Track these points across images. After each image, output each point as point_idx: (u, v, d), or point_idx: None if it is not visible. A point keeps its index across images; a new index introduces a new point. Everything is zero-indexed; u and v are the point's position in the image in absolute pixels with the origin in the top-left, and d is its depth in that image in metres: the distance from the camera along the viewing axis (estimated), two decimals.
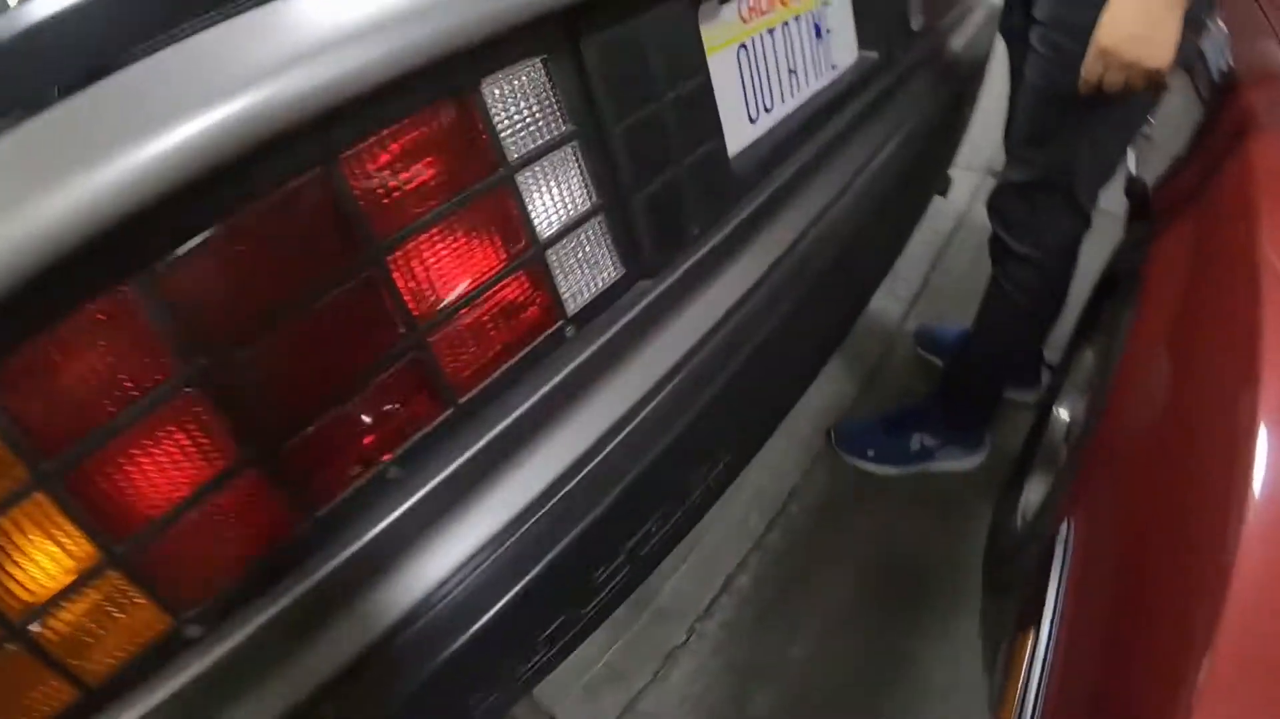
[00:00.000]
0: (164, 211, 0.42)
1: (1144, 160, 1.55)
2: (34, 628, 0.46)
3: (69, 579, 0.46)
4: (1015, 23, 1.25)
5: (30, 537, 0.44)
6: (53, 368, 0.43)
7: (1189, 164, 1.21)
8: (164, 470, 0.49)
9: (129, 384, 0.46)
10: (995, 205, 1.35)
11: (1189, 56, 1.32)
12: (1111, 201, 1.52)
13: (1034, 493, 1.33)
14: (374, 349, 0.57)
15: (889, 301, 2.02)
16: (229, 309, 0.48)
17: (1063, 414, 1.38)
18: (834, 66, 1.09)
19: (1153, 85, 0.96)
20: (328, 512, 0.57)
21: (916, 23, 1.27)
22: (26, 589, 0.45)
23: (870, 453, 1.59)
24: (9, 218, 0.37)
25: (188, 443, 0.49)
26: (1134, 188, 1.49)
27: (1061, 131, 1.17)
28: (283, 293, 0.50)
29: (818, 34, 1.04)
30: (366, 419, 0.58)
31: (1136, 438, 0.89)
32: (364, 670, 0.57)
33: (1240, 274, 0.81)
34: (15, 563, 0.45)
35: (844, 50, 1.12)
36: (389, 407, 0.59)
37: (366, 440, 0.58)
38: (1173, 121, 1.38)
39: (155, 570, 0.49)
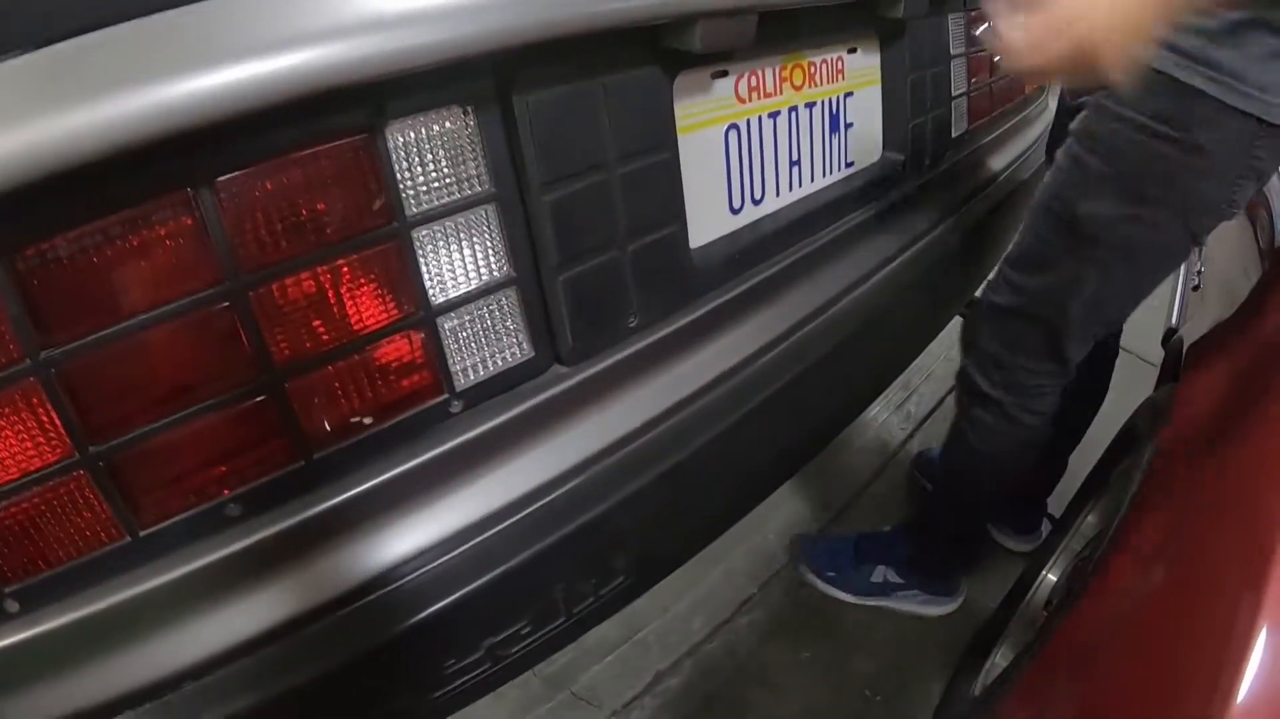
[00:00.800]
0: (34, 203, 0.41)
1: (1188, 313, 1.46)
2: None
3: None
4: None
5: None
6: None
7: (1233, 328, 1.11)
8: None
9: None
10: (968, 331, 1.24)
11: (1254, 204, 1.25)
12: (1150, 348, 1.42)
13: (1001, 659, 1.23)
14: (227, 381, 0.53)
15: (896, 417, 1.93)
16: (85, 306, 0.47)
17: (1051, 578, 1.28)
18: (850, 164, 1.02)
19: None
20: (156, 530, 0.54)
21: (958, 127, 1.20)
22: None
23: (830, 573, 1.49)
24: None
25: (21, 429, 0.48)
26: (1170, 342, 1.40)
27: (1064, 260, 1.08)
28: (140, 303, 0.49)
29: (834, 126, 0.97)
30: (212, 449, 0.54)
31: (1110, 635, 0.81)
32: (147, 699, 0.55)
33: (1262, 469, 0.74)
34: None
35: (865, 148, 1.05)
36: (237, 443, 0.55)
37: (209, 470, 0.55)
38: (1227, 275, 1.28)
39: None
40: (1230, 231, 0.94)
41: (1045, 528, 1.61)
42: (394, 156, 0.55)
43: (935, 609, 1.46)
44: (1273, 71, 0.87)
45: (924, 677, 1.34)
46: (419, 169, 0.56)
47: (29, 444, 0.48)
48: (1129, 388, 1.56)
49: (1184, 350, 1.23)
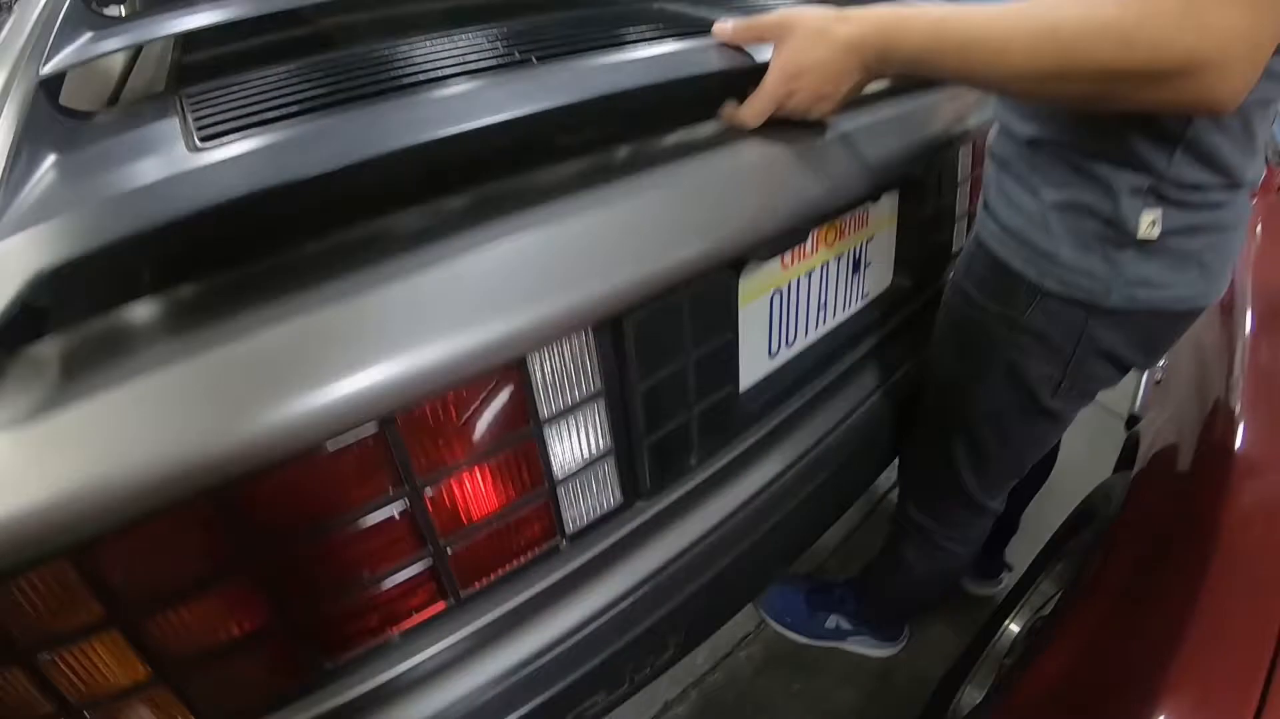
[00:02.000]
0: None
1: (1150, 403, 1.62)
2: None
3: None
4: None
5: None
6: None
7: (1191, 426, 1.21)
8: (210, 629, 0.62)
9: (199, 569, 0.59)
10: (902, 459, 1.36)
11: (1225, 302, 1.31)
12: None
13: (969, 696, 1.44)
14: (402, 554, 0.70)
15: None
16: (294, 520, 0.62)
17: (1013, 628, 1.49)
18: (865, 295, 1.18)
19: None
20: (343, 661, 0.71)
21: (958, 243, 1.36)
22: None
23: (788, 619, 1.69)
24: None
25: (231, 609, 0.63)
26: (1131, 430, 1.57)
27: (936, 422, 1.21)
28: (337, 510, 0.64)
29: (856, 268, 1.13)
30: (387, 601, 0.72)
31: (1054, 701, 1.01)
32: None
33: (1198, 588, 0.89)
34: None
35: (878, 279, 1.20)
36: (406, 595, 0.73)
37: (381, 617, 0.72)
38: (1190, 370, 1.37)
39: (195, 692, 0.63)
40: (1197, 327, 0.98)
41: (1004, 574, 1.83)
42: (534, 377, 0.72)
43: (883, 651, 1.67)
44: (1094, 255, 0.88)
45: (900, 710, 1.55)
46: (552, 381, 0.73)
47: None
48: (1096, 440, 1.76)
49: (1140, 442, 1.38)
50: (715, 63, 0.84)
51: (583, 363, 0.75)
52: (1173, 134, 0.79)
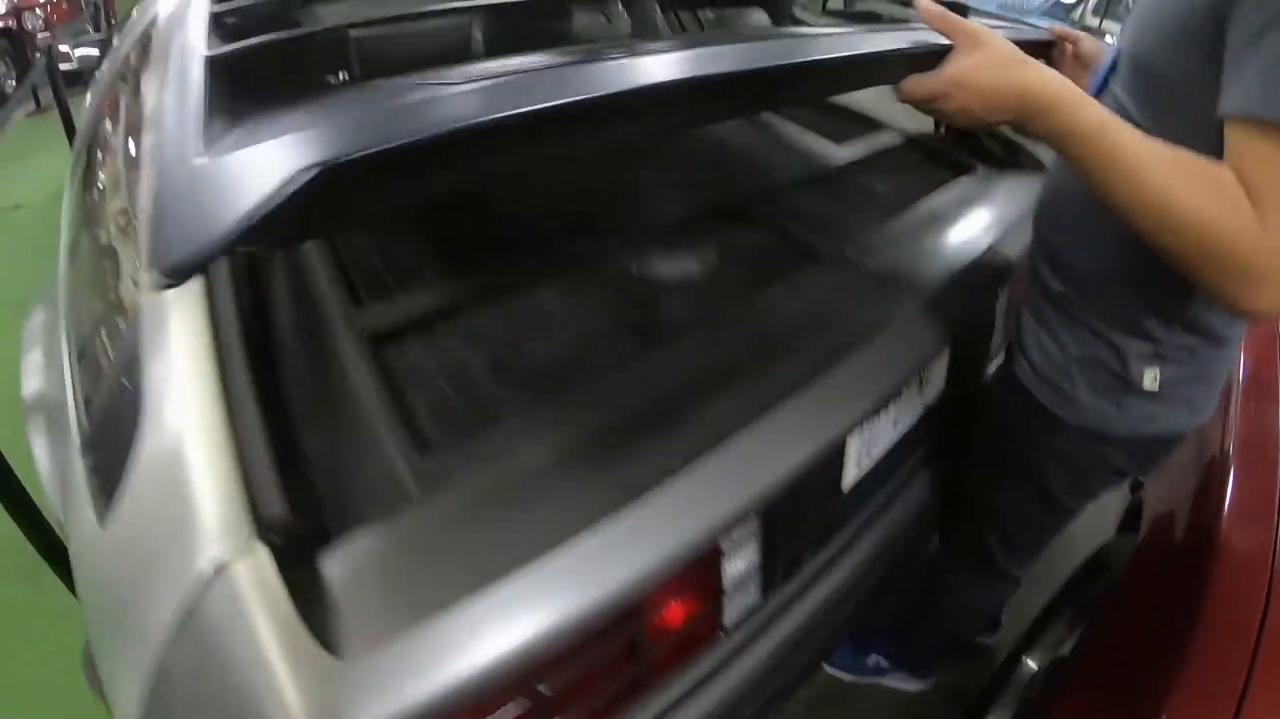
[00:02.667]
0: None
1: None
2: None
3: None
4: None
5: None
6: None
7: (1195, 492, 1.40)
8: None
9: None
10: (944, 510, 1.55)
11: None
12: None
13: None
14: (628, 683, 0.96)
15: None
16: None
17: (1031, 664, 1.75)
18: (925, 406, 1.41)
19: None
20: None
21: (996, 350, 1.59)
22: None
23: (837, 660, 1.96)
24: None
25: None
26: (1136, 493, 1.79)
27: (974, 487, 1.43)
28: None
29: (921, 388, 1.36)
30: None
31: None
32: None
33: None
34: None
35: (933, 391, 1.42)
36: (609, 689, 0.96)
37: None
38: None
39: None
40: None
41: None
42: (722, 558, 0.98)
43: (916, 685, 1.95)
44: (1106, 400, 1.11)
45: None
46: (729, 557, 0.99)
47: None
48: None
49: (1144, 508, 1.58)
50: (902, 43, 0.99)
51: (750, 526, 1.00)
52: (1175, 312, 1.03)
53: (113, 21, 7.02)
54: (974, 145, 1.91)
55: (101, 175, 1.52)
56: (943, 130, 1.95)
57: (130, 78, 1.51)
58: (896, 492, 1.41)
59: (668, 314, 1.23)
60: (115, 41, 2.63)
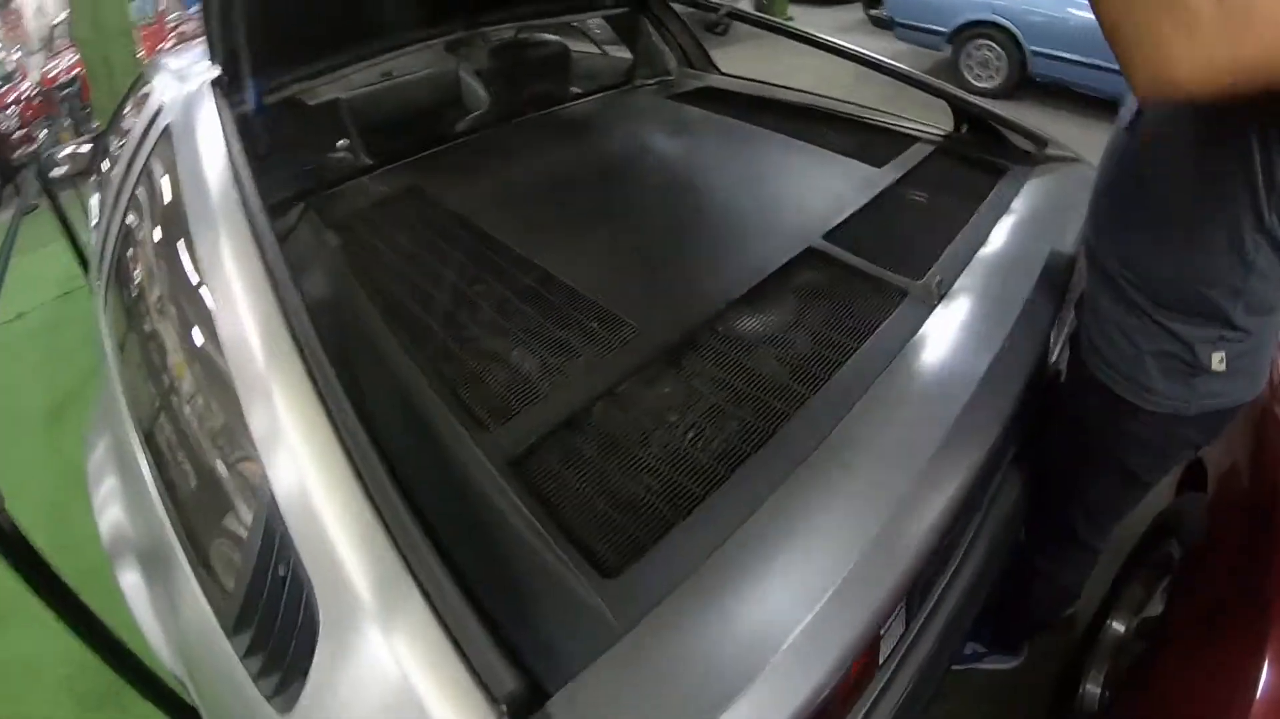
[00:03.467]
0: None
1: None
2: None
3: None
4: None
5: None
6: None
7: (1257, 446, 1.46)
8: None
9: None
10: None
11: None
12: None
13: (1089, 690, 1.76)
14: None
15: None
16: None
17: (1116, 626, 1.81)
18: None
19: None
20: None
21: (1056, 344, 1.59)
22: None
23: None
24: None
25: None
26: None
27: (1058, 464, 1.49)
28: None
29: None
30: None
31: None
32: None
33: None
34: None
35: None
36: None
37: None
38: None
39: None
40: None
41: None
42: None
43: (1012, 663, 2.01)
44: (1178, 384, 1.19)
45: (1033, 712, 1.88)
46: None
47: None
48: None
49: (1208, 468, 1.62)
50: None
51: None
52: (1237, 300, 1.11)
53: (88, 110, 7.10)
54: (998, 140, 1.96)
55: (157, 305, 1.51)
56: (964, 129, 2.01)
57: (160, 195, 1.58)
58: (997, 494, 1.45)
59: (788, 391, 1.19)
60: (114, 143, 2.70)
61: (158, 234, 1.56)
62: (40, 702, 2.14)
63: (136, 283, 1.64)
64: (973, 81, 6.60)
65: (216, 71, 1.65)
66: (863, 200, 1.69)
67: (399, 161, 2.03)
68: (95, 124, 6.76)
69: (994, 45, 6.36)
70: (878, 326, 1.29)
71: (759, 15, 2.36)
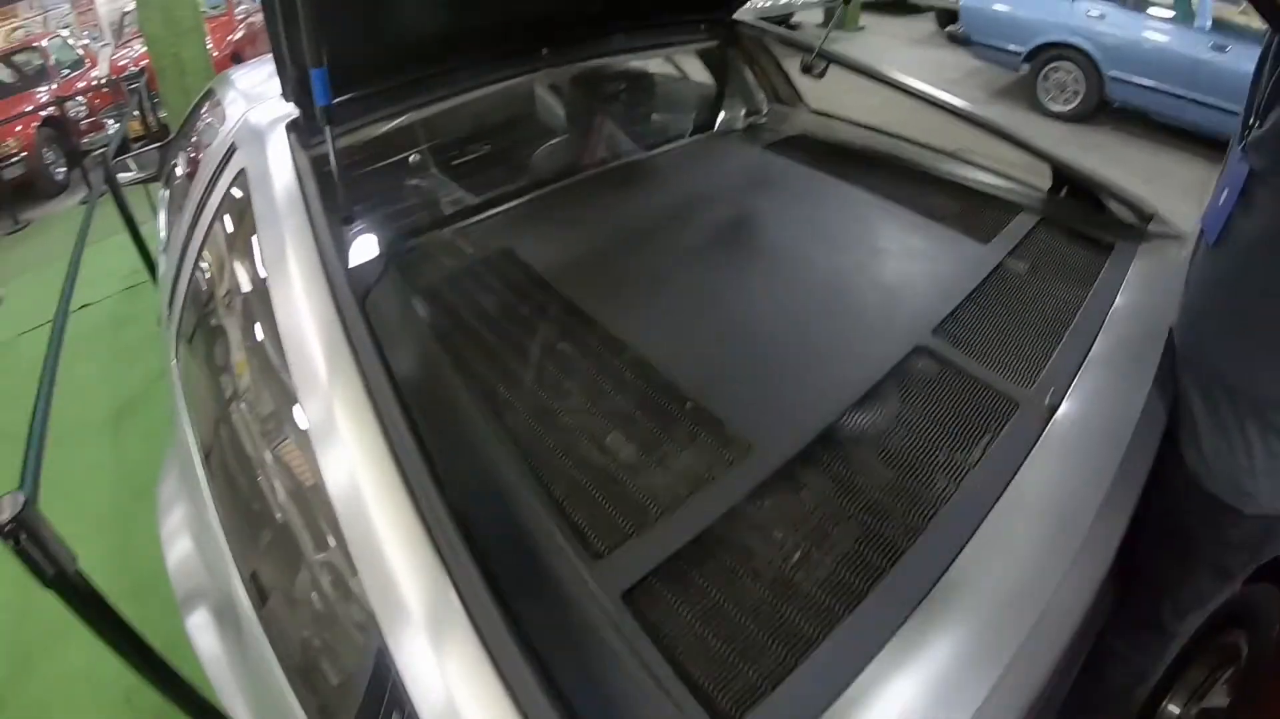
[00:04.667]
0: None
1: None
2: None
3: None
4: None
5: None
6: None
7: None
8: None
9: None
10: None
11: None
12: None
13: None
14: None
15: None
16: None
17: (1172, 709, 1.78)
18: None
19: None
20: None
21: None
22: None
23: None
24: None
25: None
26: None
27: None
28: None
29: None
30: None
31: None
32: None
33: None
34: None
35: None
36: None
37: None
38: None
39: None
40: None
41: None
42: None
43: None
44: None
45: None
46: None
47: None
48: None
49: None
50: None
51: None
52: None
53: (156, 102, 7.33)
54: (1099, 208, 1.92)
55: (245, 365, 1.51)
56: (1063, 192, 1.98)
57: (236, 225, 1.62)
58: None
59: (903, 519, 1.14)
60: (182, 157, 2.79)
61: (233, 299, 1.58)
62: (100, 715, 2.24)
63: (216, 351, 1.64)
64: (1049, 104, 6.51)
65: (289, 110, 1.67)
66: (970, 286, 1.61)
67: (485, 214, 1.97)
68: (164, 114, 6.98)
69: (1071, 68, 6.27)
70: (990, 443, 1.25)
71: (858, 61, 2.26)
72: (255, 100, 1.97)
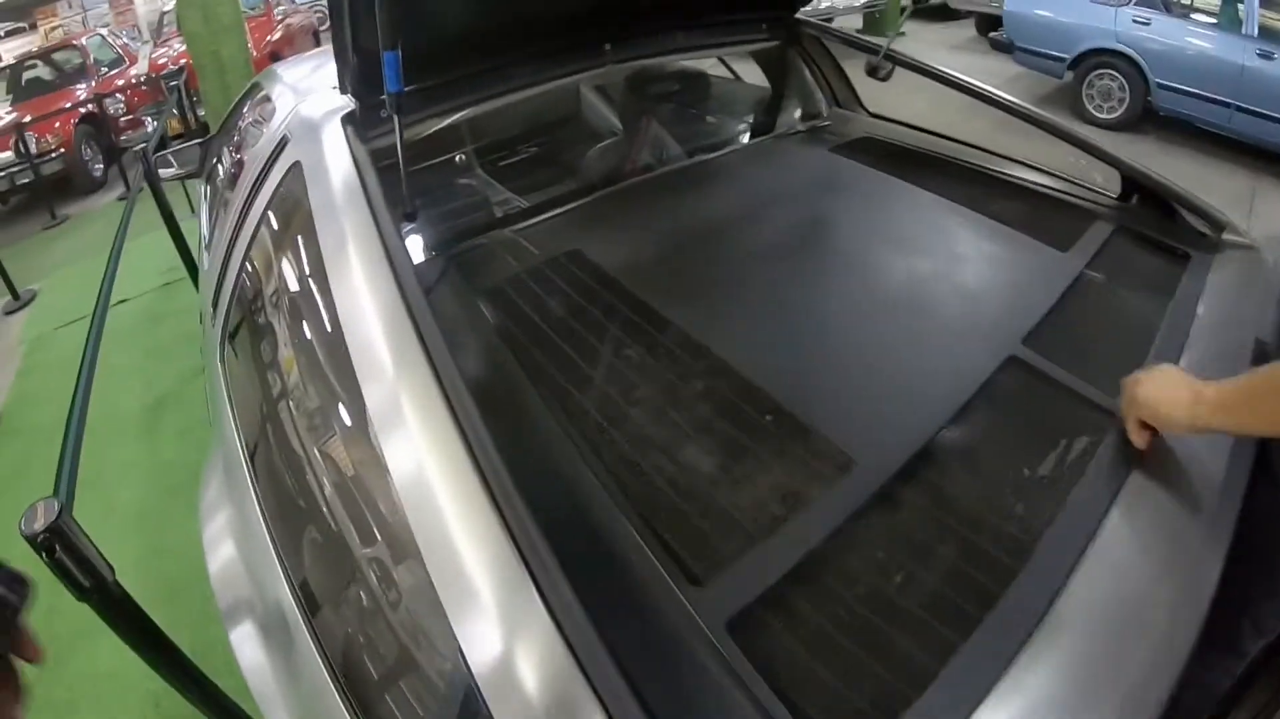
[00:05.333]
0: None
1: None
2: None
3: None
4: None
5: None
6: None
7: None
8: None
9: None
10: None
11: None
12: None
13: None
14: None
15: None
16: None
17: None
18: None
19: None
20: None
21: None
22: None
23: None
24: None
25: None
26: None
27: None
28: None
29: None
30: None
31: None
32: None
33: None
34: None
35: None
36: None
37: None
38: None
39: None
40: None
41: None
42: None
43: None
44: None
45: None
46: None
47: None
48: None
49: None
50: None
51: None
52: None
53: (195, 100, 7.41)
54: (1171, 216, 1.87)
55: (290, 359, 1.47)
56: (1134, 199, 1.92)
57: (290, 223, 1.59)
58: None
59: (1011, 542, 1.07)
60: (226, 154, 2.74)
61: (290, 297, 1.54)
62: (127, 716, 2.24)
63: (269, 351, 1.58)
64: (1093, 112, 6.41)
65: (346, 103, 1.63)
66: (1055, 295, 1.54)
67: (546, 214, 1.91)
68: (203, 112, 7.06)
69: (1116, 75, 6.17)
70: (1090, 459, 1.18)
71: (925, 64, 2.22)
72: (305, 93, 1.95)
